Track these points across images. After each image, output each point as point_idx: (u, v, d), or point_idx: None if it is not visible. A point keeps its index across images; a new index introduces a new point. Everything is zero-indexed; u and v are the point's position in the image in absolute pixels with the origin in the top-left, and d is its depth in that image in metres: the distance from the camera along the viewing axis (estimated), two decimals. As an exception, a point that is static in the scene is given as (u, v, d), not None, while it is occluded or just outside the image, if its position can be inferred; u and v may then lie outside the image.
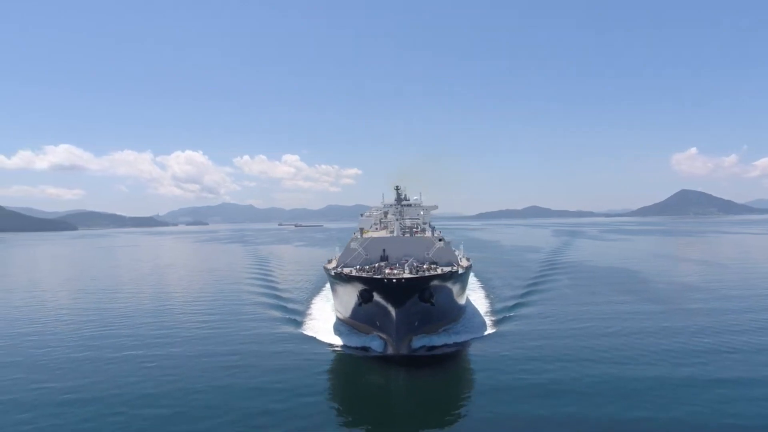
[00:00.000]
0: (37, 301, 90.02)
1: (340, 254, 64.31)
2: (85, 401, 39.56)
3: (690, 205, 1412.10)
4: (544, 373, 44.18)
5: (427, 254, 61.76)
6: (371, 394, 42.59)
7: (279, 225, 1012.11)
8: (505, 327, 61.54)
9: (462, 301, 66.33)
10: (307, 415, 36.36)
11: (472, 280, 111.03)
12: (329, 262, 64.85)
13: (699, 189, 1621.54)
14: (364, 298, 50.95)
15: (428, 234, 68.47)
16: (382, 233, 70.74)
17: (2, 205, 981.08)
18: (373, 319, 52.60)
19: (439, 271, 54.34)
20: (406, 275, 51.01)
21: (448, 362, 49.53)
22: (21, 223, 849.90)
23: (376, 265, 58.09)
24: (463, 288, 65.68)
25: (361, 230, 67.06)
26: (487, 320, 65.10)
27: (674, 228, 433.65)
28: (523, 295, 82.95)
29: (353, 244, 63.25)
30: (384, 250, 61.67)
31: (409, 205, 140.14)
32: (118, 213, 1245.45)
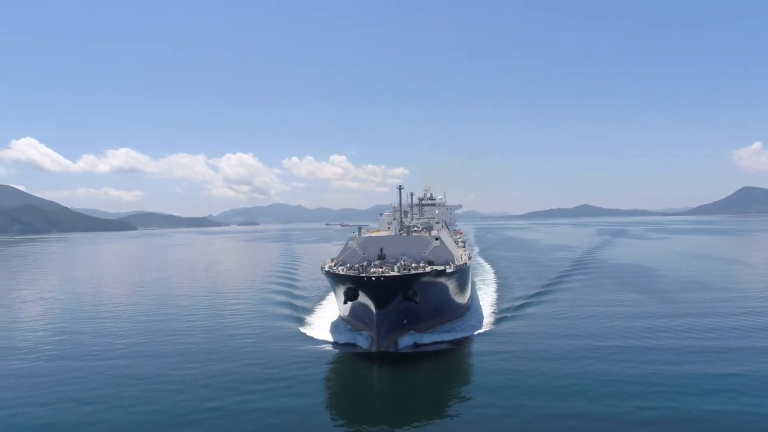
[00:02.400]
0: (92, 292, 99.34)
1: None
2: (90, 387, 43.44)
3: (753, 203, 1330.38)
4: (532, 372, 44.37)
5: (424, 253, 62.47)
6: (350, 390, 43.72)
7: (326, 225, 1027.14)
8: (505, 326, 61.95)
9: (461, 299, 66.96)
10: (282, 410, 37.37)
11: (489, 277, 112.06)
12: (332, 261, 66.98)
13: (764, 186, 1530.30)
14: (349, 296, 52.60)
15: (426, 233, 69.65)
16: (384, 232, 72.71)
17: (69, 206, 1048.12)
18: (363, 317, 54.24)
19: (427, 269, 55.15)
20: (392, 274, 52.16)
21: (435, 359, 50.25)
22: (86, 224, 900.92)
23: (365, 263, 59.55)
24: (462, 286, 66.19)
25: (360, 229, 68.83)
26: (488, 319, 65.47)
27: (730, 227, 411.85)
28: (533, 295, 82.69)
29: (351, 243, 64.92)
30: (381, 249, 62.78)
31: (433, 204, 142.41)
32: (174, 214, 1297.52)
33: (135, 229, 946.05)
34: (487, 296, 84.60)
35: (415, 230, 72.51)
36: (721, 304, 72.51)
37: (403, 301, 51.49)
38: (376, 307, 50.17)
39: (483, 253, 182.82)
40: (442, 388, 43.31)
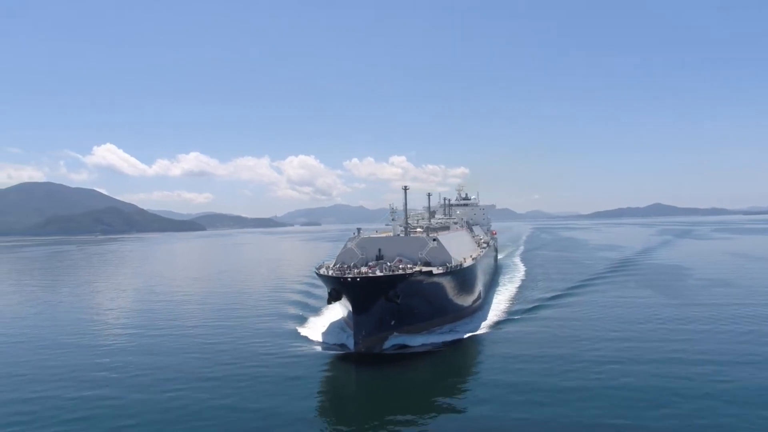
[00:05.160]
0: (141, 286, 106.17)
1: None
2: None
3: None
4: (522, 377, 43.17)
5: (421, 254, 62.13)
6: (328, 391, 43.24)
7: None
8: (506, 328, 60.88)
9: (463, 301, 65.82)
10: (253, 408, 37.73)
11: (518, 276, 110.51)
12: (333, 262, 66.68)
13: None
14: (333, 296, 53.47)
15: (424, 234, 69.18)
16: (385, 233, 73.05)
17: (145, 208, 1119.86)
18: (351, 317, 54.14)
19: (411, 270, 54.82)
20: (371, 275, 52.20)
21: (422, 361, 49.59)
22: (161, 225, 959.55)
23: (352, 263, 59.87)
24: (463, 287, 64.82)
25: (359, 230, 69.85)
26: (490, 321, 64.26)
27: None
28: (550, 298, 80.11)
29: (349, 244, 65.44)
30: (380, 250, 63.13)
31: (466, 205, 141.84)
32: (242, 215, 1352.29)
33: (204, 229, 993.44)
34: (502, 298, 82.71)
35: (418, 231, 72.69)
36: (754, 311, 67.64)
37: (386, 302, 51.42)
38: (354, 308, 50.68)
39: (527, 254, 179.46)
40: (423, 390, 42.80)
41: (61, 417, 38.02)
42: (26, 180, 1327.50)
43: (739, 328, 58.19)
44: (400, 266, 57.40)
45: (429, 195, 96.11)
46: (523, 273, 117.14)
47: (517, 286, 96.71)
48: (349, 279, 50.20)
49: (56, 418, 37.89)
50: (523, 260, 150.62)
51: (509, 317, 67.08)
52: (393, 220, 68.37)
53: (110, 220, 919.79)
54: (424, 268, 57.24)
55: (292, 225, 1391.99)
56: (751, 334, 55.84)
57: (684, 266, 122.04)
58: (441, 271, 57.86)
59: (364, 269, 56.06)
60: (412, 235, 67.87)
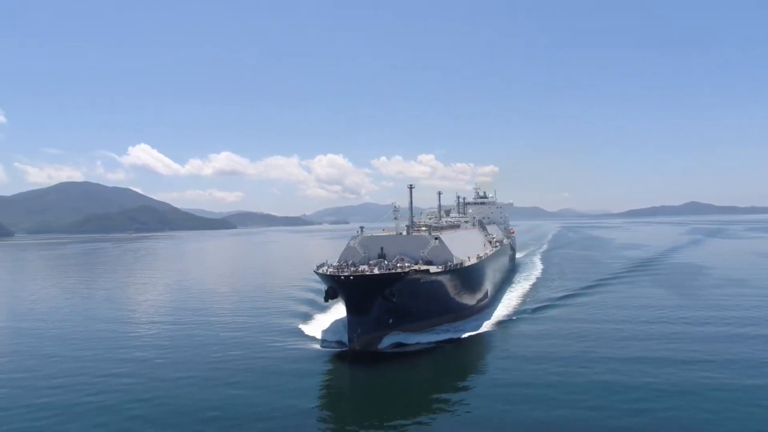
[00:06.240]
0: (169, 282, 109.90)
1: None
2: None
3: None
4: (519, 377, 42.74)
5: (422, 252, 62.15)
6: (321, 389, 42.64)
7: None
8: (510, 328, 60.39)
9: (467, 300, 65.69)
10: (240, 405, 37.93)
11: (534, 274, 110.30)
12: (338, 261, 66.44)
13: None
14: (329, 294, 54.05)
15: (426, 233, 69.13)
16: (388, 232, 73.32)
17: (179, 207, 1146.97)
18: None
19: (407, 269, 54.62)
20: (366, 273, 52.37)
21: (418, 360, 49.53)
22: (193, 223, 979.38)
23: (351, 262, 60.42)
24: (466, 286, 64.68)
25: (362, 228, 70.50)
26: (495, 320, 63.81)
27: None
28: (560, 297, 78.86)
29: (352, 242, 65.95)
30: (382, 248, 63.31)
31: (482, 203, 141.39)
32: (271, 213, 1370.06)
33: (235, 227, 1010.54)
34: (513, 296, 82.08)
35: (422, 229, 72.91)
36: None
37: (383, 301, 51.45)
38: (349, 306, 51.12)
39: (549, 252, 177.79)
40: (420, 388, 42.79)
41: (86, 395, 40.83)
42: (65, 180, 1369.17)
43: (740, 328, 56.73)
44: (399, 265, 57.37)
45: (439, 193, 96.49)
46: (540, 272, 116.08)
47: (531, 284, 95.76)
48: (343, 277, 50.50)
49: (82, 396, 40.60)
50: (542, 259, 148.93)
51: (515, 316, 66.43)
52: (396, 218, 68.68)
53: (145, 218, 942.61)
54: (423, 267, 57.17)
55: (320, 223, 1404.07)
56: (755, 332, 54.27)
57: (706, 266, 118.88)
58: (439, 270, 57.64)
59: (362, 267, 56.24)
60: (414, 233, 68.01)
